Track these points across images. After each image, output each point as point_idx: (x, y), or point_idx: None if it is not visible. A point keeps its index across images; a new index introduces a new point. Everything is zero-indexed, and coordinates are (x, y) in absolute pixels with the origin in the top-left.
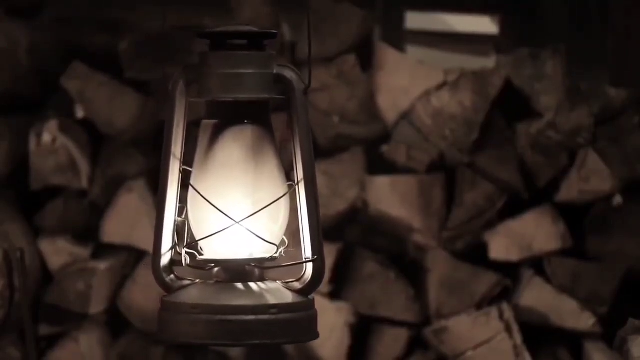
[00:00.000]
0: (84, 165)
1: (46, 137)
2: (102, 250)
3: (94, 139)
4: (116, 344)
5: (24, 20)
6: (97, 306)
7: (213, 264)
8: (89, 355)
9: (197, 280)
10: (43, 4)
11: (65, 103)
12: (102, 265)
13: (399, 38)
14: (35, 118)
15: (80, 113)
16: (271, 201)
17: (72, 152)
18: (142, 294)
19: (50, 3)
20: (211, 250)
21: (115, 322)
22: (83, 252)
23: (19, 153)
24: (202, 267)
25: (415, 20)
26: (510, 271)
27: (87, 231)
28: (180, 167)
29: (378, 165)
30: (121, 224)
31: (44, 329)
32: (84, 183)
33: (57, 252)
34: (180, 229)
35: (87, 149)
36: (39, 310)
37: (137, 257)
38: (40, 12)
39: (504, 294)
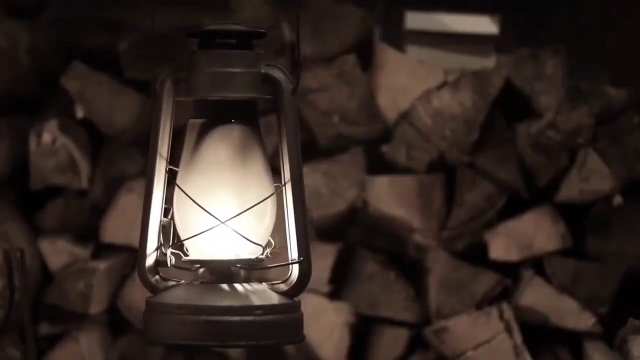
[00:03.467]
0: (84, 165)
1: (46, 137)
2: (102, 250)
3: (94, 139)
4: (116, 344)
5: (24, 20)
6: (97, 306)
7: (198, 265)
8: (89, 355)
9: (183, 281)
10: (43, 4)
11: (65, 103)
12: (102, 265)
13: (399, 38)
14: (35, 118)
15: (80, 113)
16: (257, 202)
17: (72, 152)
18: (142, 294)
19: (50, 3)
20: (197, 251)
21: (115, 322)
22: (83, 252)
23: (19, 153)
24: (187, 267)
25: (415, 20)
26: (510, 271)
27: (87, 231)
28: (166, 167)
29: (378, 165)
30: (121, 224)
31: (44, 329)
32: (84, 183)
33: (57, 252)
34: (166, 230)
35: (87, 149)
36: (39, 310)
37: (137, 257)
38: (40, 12)
39: (504, 294)
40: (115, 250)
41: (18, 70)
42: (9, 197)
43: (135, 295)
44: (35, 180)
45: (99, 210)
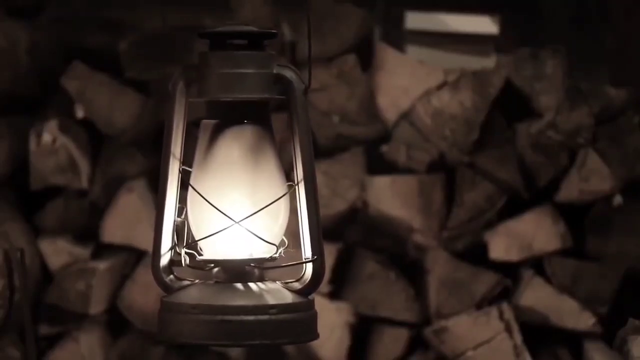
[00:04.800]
0: (84, 165)
1: (46, 137)
2: (102, 250)
3: (94, 139)
4: (116, 344)
5: (24, 20)
6: (97, 306)
7: (213, 264)
8: (89, 355)
9: (197, 281)
10: (43, 4)
11: (65, 103)
12: (102, 265)
13: (399, 38)
14: (35, 118)
15: (80, 113)
16: (271, 201)
17: (72, 152)
18: (142, 294)
19: (50, 3)
20: (211, 251)
21: (115, 322)
22: (83, 252)
23: (19, 153)
24: (201, 267)
25: (415, 20)
26: (510, 271)
27: (87, 231)
28: (179, 167)
29: (378, 165)
30: (121, 224)
31: (44, 329)
32: (84, 183)
33: (57, 252)
34: (180, 229)
35: (87, 149)
36: (39, 310)
37: (137, 257)
38: (40, 12)
39: (504, 294)
40: (115, 250)
41: (18, 70)
42: (9, 197)
43: (135, 295)
44: (35, 180)
45: (99, 210)
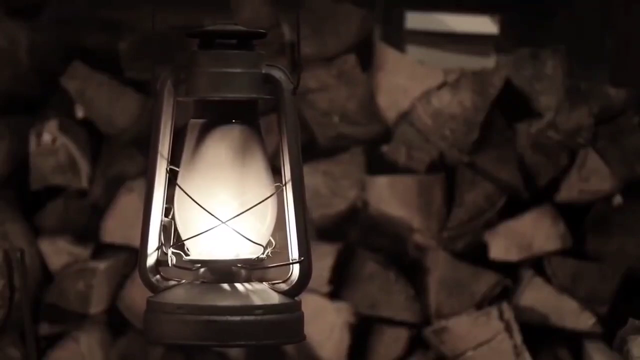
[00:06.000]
0: (84, 165)
1: (46, 137)
2: (102, 250)
3: (94, 139)
4: (116, 344)
5: (24, 20)
6: (97, 306)
7: (199, 265)
8: (89, 355)
9: (183, 281)
10: (43, 4)
11: (65, 103)
12: (102, 265)
13: (399, 38)
14: (35, 118)
15: (80, 113)
16: (258, 201)
17: (72, 152)
18: (142, 294)
19: (50, 3)
20: (198, 251)
21: (115, 322)
22: (83, 252)
23: (19, 153)
24: (188, 267)
25: (415, 20)
26: (510, 271)
27: (87, 231)
28: (167, 167)
29: (378, 165)
30: (121, 223)
31: (44, 329)
32: (84, 183)
33: (57, 252)
34: (167, 229)
35: (87, 149)
36: (39, 310)
37: (137, 257)
38: (40, 12)
39: (504, 294)
40: (115, 250)
41: (18, 70)
42: (9, 197)
43: (135, 295)
44: (35, 180)
45: (99, 210)
